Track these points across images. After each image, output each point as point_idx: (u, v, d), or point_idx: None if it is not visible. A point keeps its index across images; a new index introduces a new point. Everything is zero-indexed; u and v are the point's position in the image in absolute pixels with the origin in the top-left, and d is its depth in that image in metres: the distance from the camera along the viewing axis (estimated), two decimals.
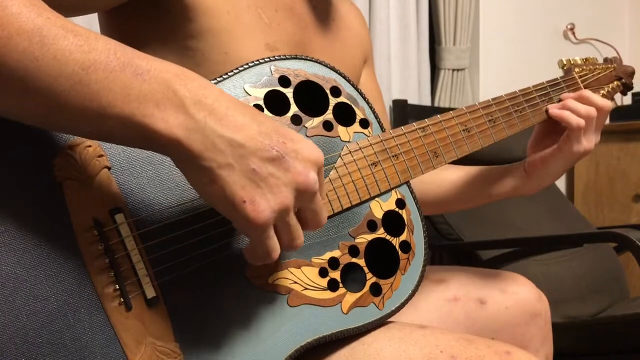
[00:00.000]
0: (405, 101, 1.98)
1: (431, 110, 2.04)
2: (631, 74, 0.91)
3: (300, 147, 0.47)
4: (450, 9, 2.15)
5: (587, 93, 0.78)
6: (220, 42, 0.64)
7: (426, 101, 2.16)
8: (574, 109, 0.77)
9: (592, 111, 0.76)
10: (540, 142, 0.82)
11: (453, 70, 2.19)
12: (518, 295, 0.85)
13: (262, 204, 0.45)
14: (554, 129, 0.81)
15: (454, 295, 0.84)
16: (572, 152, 0.77)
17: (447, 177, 0.89)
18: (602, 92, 0.87)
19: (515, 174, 0.83)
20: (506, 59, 2.38)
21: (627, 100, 2.47)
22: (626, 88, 0.91)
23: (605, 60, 0.93)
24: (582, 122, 0.75)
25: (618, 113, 2.43)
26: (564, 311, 1.60)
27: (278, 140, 0.46)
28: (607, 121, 2.44)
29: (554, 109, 0.78)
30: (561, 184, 2.60)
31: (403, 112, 1.94)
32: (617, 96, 0.92)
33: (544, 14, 2.52)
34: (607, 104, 0.78)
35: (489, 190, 0.84)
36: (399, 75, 2.07)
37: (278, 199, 0.45)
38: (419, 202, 0.67)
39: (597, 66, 0.89)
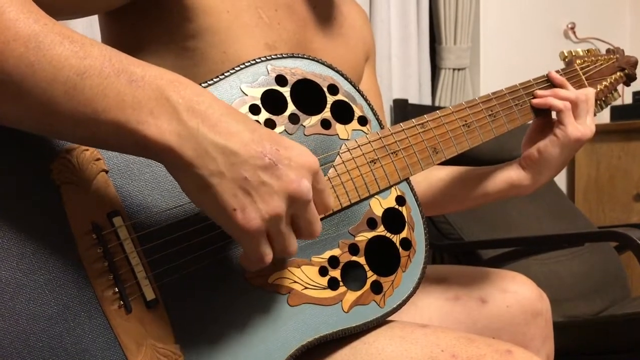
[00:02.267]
0: (405, 101, 1.98)
1: (432, 110, 2.02)
2: (634, 64, 0.89)
3: (293, 154, 0.47)
4: (450, 9, 2.15)
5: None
6: (219, 41, 0.64)
7: (427, 101, 2.16)
8: (552, 93, 0.78)
9: (571, 94, 0.78)
10: (534, 139, 0.81)
11: (453, 69, 2.19)
12: (519, 295, 0.84)
13: (253, 212, 0.45)
14: (546, 128, 0.80)
15: (454, 295, 0.84)
16: (569, 137, 0.76)
17: (440, 176, 0.87)
18: (604, 83, 0.85)
19: (510, 170, 0.81)
20: (507, 58, 2.38)
21: (628, 99, 2.46)
22: (629, 79, 0.89)
23: (608, 51, 0.91)
24: (567, 102, 0.77)
25: (619, 112, 2.42)
26: (565, 310, 1.59)
27: (271, 147, 0.46)
28: (608, 120, 2.47)
29: (536, 99, 0.79)
30: (562, 183, 2.59)
31: (404, 112, 1.94)
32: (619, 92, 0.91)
33: (544, 13, 2.52)
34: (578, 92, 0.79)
35: (483, 188, 0.82)
36: (400, 74, 2.07)
37: (269, 208, 0.45)
38: None
39: (599, 57, 0.88)
